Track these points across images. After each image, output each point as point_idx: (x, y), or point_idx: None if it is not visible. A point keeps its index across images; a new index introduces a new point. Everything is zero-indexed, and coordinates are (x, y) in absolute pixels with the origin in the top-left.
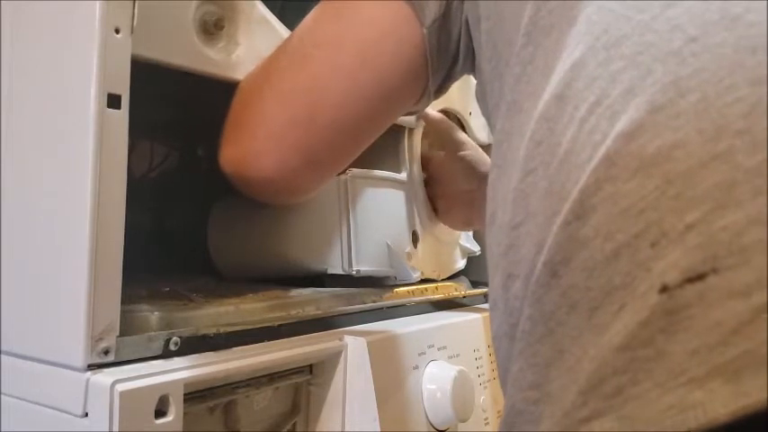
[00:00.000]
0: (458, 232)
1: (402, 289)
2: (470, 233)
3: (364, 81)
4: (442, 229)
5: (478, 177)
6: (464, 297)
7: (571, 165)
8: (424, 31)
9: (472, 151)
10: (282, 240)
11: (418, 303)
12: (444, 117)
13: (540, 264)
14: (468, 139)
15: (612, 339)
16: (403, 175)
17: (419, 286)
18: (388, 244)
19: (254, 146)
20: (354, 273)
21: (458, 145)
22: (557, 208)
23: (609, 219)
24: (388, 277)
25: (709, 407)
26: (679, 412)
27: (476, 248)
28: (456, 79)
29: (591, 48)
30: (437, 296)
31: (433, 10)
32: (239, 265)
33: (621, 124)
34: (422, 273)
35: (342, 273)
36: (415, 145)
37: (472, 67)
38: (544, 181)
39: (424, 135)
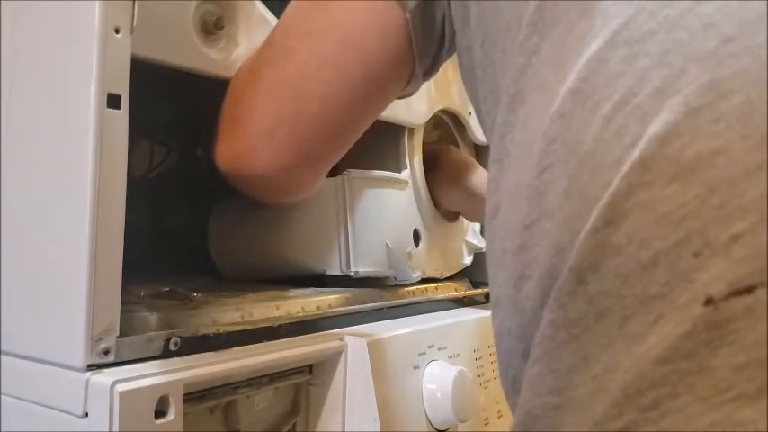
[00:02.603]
0: (463, 229)
1: (402, 289)
2: (477, 229)
3: (349, 70)
4: (447, 227)
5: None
6: (464, 297)
7: (596, 166)
8: (407, 15)
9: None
10: (282, 241)
11: (419, 303)
12: None
13: (566, 269)
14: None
15: (650, 351)
16: (404, 175)
17: (419, 286)
18: (387, 244)
19: (246, 142)
20: (353, 274)
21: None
22: (580, 210)
23: (644, 225)
24: (387, 278)
25: (761, 424)
26: (725, 429)
27: (482, 244)
28: (444, 61)
29: (610, 42)
30: (437, 296)
31: None
32: (240, 266)
33: (655, 127)
34: (423, 272)
35: (340, 274)
36: (416, 144)
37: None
38: (562, 179)
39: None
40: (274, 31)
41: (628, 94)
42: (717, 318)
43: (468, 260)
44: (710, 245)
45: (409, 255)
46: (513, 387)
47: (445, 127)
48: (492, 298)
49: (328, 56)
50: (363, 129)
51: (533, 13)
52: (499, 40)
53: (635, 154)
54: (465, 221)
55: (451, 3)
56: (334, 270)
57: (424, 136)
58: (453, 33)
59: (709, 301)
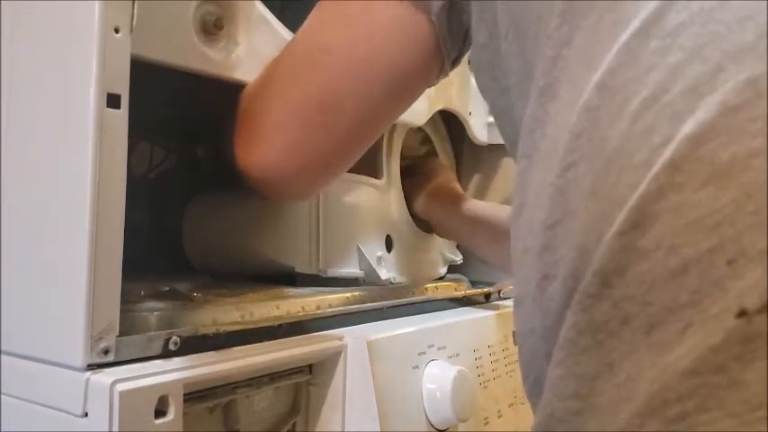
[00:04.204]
0: (439, 241)
1: (402, 289)
2: (454, 243)
3: (378, 84)
4: (421, 237)
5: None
6: (464, 297)
7: (623, 166)
8: (433, 18)
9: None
10: (254, 238)
11: (419, 303)
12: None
13: (591, 272)
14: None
15: (678, 362)
16: (380, 181)
17: (419, 286)
18: (358, 247)
19: (273, 155)
20: (321, 273)
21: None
22: (605, 211)
23: (674, 230)
24: (357, 279)
25: None
26: None
27: (457, 257)
28: (466, 52)
29: (639, 33)
30: (437, 296)
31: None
32: (213, 262)
33: (688, 126)
34: (393, 277)
35: (309, 272)
36: (394, 151)
37: None
38: (587, 178)
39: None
40: (294, 44)
41: (658, 90)
42: (750, 331)
43: (442, 271)
44: (746, 253)
45: (379, 259)
46: (534, 388)
47: (430, 144)
48: (514, 297)
49: (355, 70)
50: (385, 130)
51: (563, 2)
52: (531, 30)
53: (666, 154)
54: None
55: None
56: (304, 268)
57: (411, 150)
58: None
59: (742, 314)
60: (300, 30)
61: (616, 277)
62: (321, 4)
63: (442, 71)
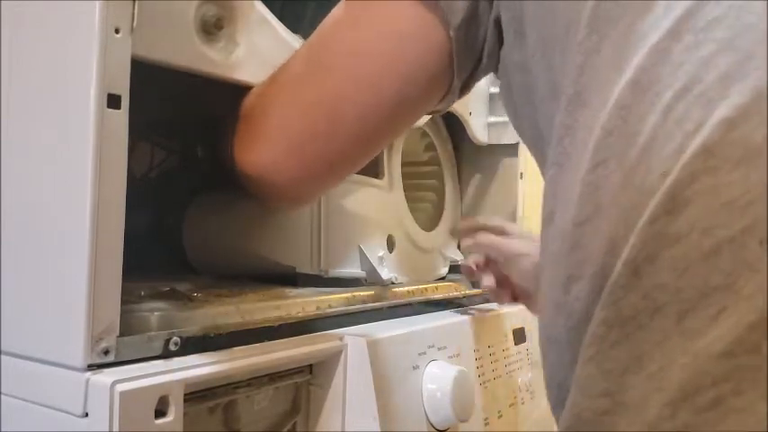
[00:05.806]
0: (440, 241)
1: (402, 289)
2: (455, 243)
3: (388, 94)
4: (423, 237)
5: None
6: (464, 297)
7: (654, 156)
8: (451, 33)
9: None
10: (255, 238)
11: (419, 303)
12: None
13: (620, 264)
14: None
15: (711, 346)
16: (382, 181)
17: (419, 286)
18: (360, 247)
19: (276, 155)
20: (323, 273)
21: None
22: (637, 202)
23: (707, 213)
24: (359, 279)
25: None
26: None
27: (459, 257)
28: (479, 79)
29: (672, 31)
30: (437, 296)
31: (460, 12)
32: (213, 262)
33: (721, 111)
34: (395, 277)
35: (311, 272)
36: (394, 150)
37: (495, 66)
38: (618, 174)
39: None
40: (308, 46)
41: (690, 81)
42: None
43: (443, 271)
44: None
45: (381, 259)
46: (559, 395)
47: (430, 137)
48: (539, 306)
49: (367, 77)
50: (390, 143)
51: (591, 14)
52: (558, 41)
53: (697, 140)
54: (442, 232)
55: (502, 17)
56: (305, 268)
57: (413, 153)
58: (494, 48)
59: None
60: (314, 33)
61: (647, 265)
62: (339, 8)
63: (448, 95)
